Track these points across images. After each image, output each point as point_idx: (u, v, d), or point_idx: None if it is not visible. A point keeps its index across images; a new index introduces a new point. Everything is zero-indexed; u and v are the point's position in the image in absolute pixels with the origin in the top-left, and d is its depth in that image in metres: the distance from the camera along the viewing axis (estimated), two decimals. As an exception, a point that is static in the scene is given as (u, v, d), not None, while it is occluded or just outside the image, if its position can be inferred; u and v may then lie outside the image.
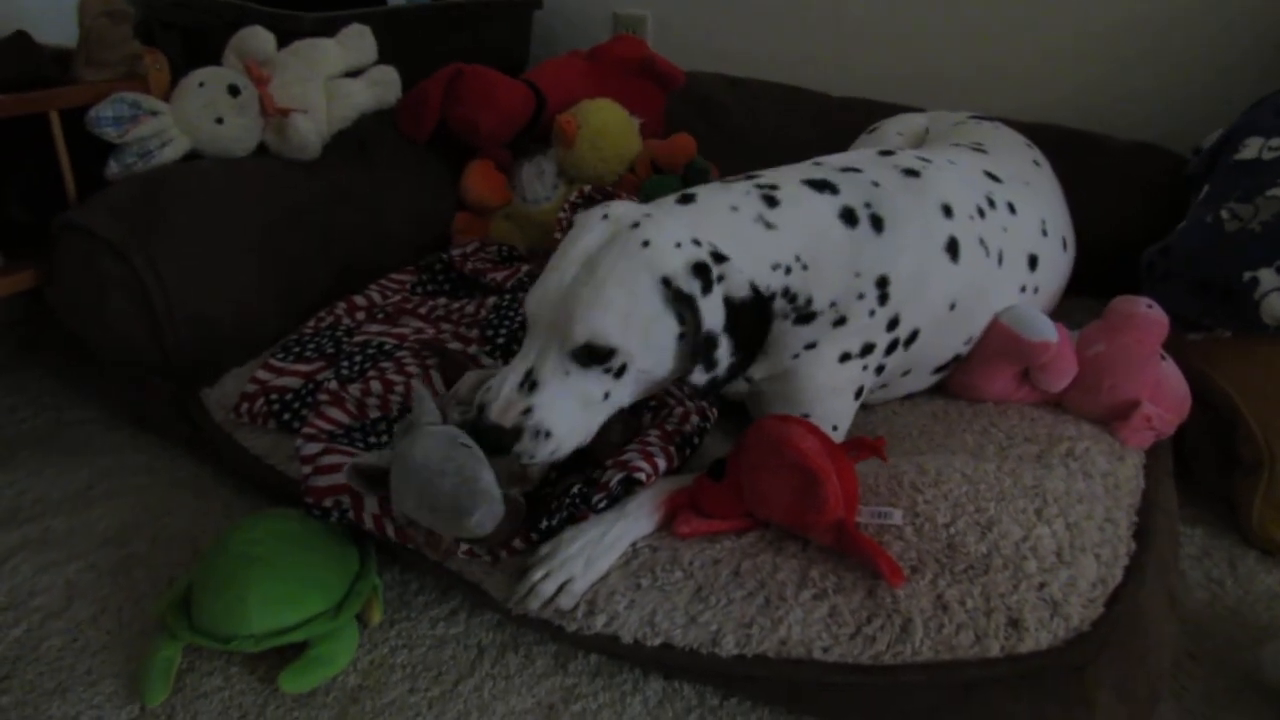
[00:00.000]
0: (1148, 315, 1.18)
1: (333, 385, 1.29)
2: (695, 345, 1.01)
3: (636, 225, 1.02)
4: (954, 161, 1.27)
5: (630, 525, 1.03)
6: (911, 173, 1.18)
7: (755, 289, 1.03)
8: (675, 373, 1.05)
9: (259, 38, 1.54)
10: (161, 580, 1.21)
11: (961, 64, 1.97)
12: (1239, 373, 1.31)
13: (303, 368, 1.36)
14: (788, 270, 1.07)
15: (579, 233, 1.04)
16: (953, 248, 1.15)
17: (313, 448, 1.17)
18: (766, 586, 0.96)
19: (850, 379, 1.15)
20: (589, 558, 1.00)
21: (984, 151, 1.37)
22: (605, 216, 1.04)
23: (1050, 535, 0.96)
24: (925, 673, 0.88)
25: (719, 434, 1.20)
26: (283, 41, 1.61)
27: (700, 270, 1.00)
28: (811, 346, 1.12)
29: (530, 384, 1.01)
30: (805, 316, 1.10)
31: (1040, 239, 1.29)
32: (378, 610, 1.12)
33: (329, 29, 1.68)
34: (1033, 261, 1.26)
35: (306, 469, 1.14)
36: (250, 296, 1.43)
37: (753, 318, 1.03)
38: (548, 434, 1.00)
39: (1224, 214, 1.32)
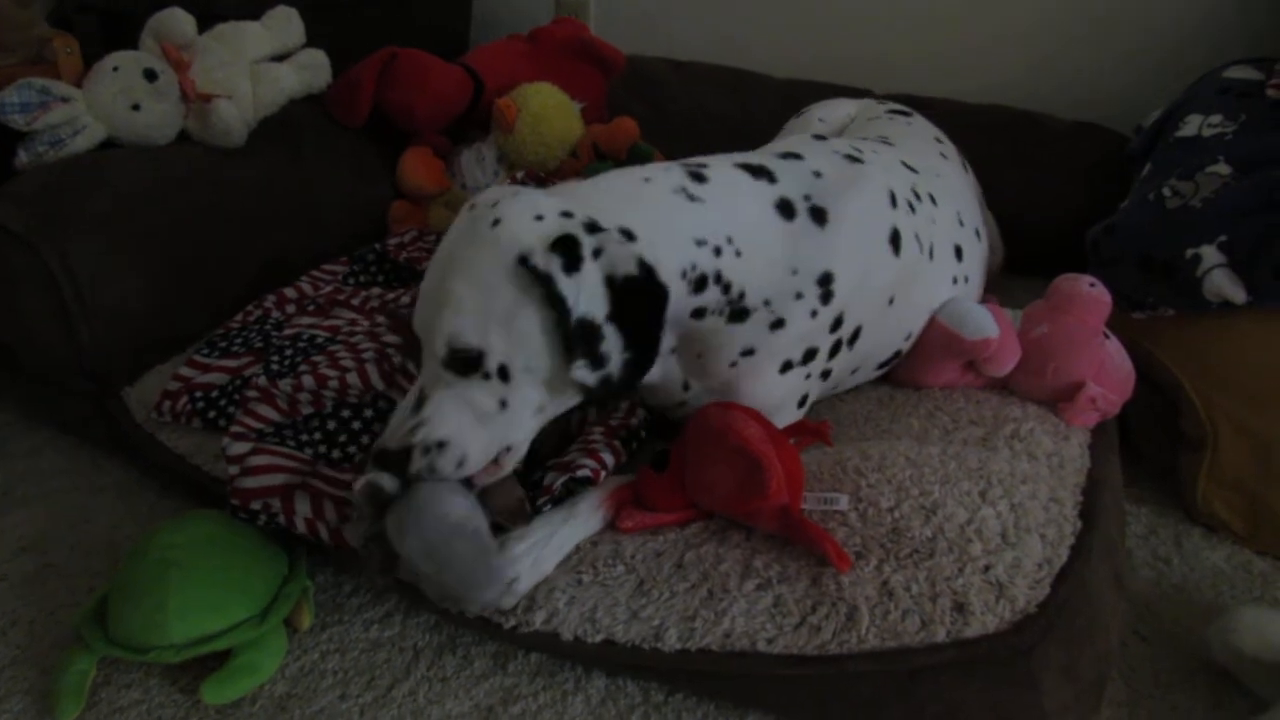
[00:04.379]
0: (1090, 294, 1.17)
1: (262, 381, 1.23)
2: (570, 336, 0.87)
3: (494, 205, 0.91)
4: (877, 152, 1.22)
5: (578, 527, 0.99)
6: (855, 159, 1.13)
7: (645, 267, 0.88)
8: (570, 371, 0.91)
9: (177, 19, 1.47)
10: (80, 590, 1.15)
11: (907, 46, 1.96)
12: (1182, 350, 1.31)
13: (230, 363, 1.30)
14: (717, 251, 0.96)
15: (448, 230, 0.94)
16: (895, 239, 1.10)
17: (240, 447, 1.11)
18: (710, 578, 0.93)
19: (792, 390, 1.08)
20: (535, 559, 0.96)
21: (890, 145, 1.32)
22: (472, 206, 0.93)
23: (995, 517, 0.94)
24: (872, 661, 0.86)
25: (666, 426, 1.17)
26: (204, 24, 1.53)
27: (564, 245, 0.86)
28: (749, 354, 1.03)
29: (419, 401, 0.92)
30: (738, 313, 1.00)
31: (959, 229, 1.26)
32: (308, 614, 1.08)
33: (253, 11, 1.61)
34: (958, 252, 1.24)
35: (234, 469, 1.09)
36: (172, 290, 1.37)
37: (644, 303, 0.89)
38: (440, 444, 0.90)
39: (1165, 191, 1.32)
